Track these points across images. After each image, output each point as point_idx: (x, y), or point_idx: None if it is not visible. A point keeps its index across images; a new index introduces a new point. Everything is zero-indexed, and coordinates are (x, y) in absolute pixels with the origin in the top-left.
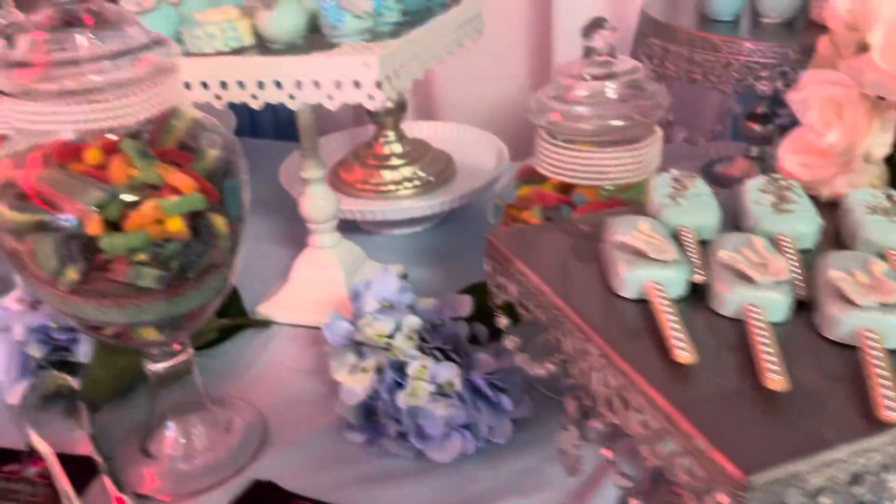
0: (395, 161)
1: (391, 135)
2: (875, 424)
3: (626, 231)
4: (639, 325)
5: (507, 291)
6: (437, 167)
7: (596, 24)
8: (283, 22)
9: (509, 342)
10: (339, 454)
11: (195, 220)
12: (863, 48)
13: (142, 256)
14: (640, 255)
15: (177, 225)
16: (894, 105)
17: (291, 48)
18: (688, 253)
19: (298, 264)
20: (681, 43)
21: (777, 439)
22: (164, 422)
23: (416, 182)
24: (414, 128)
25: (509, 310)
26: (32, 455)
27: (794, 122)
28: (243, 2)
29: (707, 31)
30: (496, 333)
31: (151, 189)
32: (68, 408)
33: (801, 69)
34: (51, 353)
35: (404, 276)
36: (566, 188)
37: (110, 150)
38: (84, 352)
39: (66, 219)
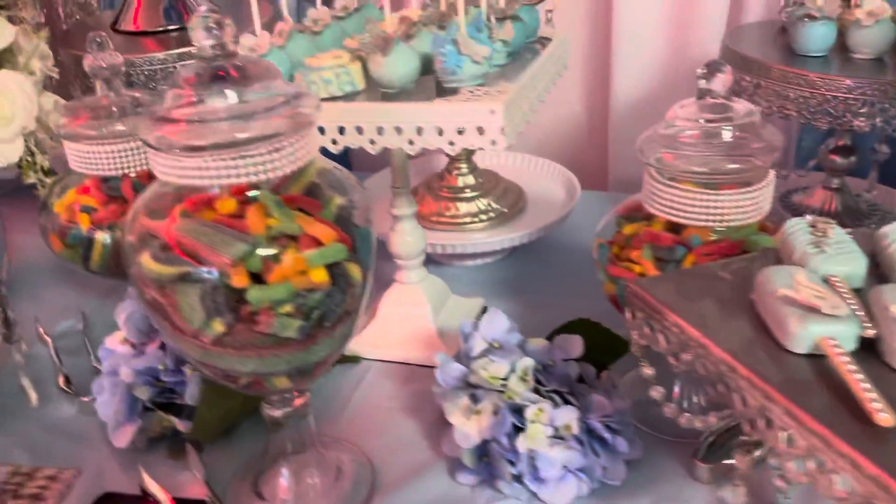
0: (468, 193)
1: (464, 167)
2: None
3: (788, 284)
4: (816, 382)
5: (657, 342)
6: (509, 199)
7: (714, 68)
8: (399, 67)
9: (655, 392)
10: (449, 497)
11: (332, 269)
12: None
13: (287, 308)
14: (810, 309)
15: (321, 276)
16: None
17: (404, 92)
18: (849, 305)
19: (386, 300)
20: (774, 79)
21: None
22: (277, 464)
23: (491, 214)
24: (481, 158)
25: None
26: (146, 498)
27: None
28: (342, 42)
29: (800, 68)
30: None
31: (288, 239)
32: (172, 449)
33: None
34: (157, 395)
35: (484, 310)
36: (675, 228)
37: (244, 199)
38: (191, 393)
39: (210, 271)
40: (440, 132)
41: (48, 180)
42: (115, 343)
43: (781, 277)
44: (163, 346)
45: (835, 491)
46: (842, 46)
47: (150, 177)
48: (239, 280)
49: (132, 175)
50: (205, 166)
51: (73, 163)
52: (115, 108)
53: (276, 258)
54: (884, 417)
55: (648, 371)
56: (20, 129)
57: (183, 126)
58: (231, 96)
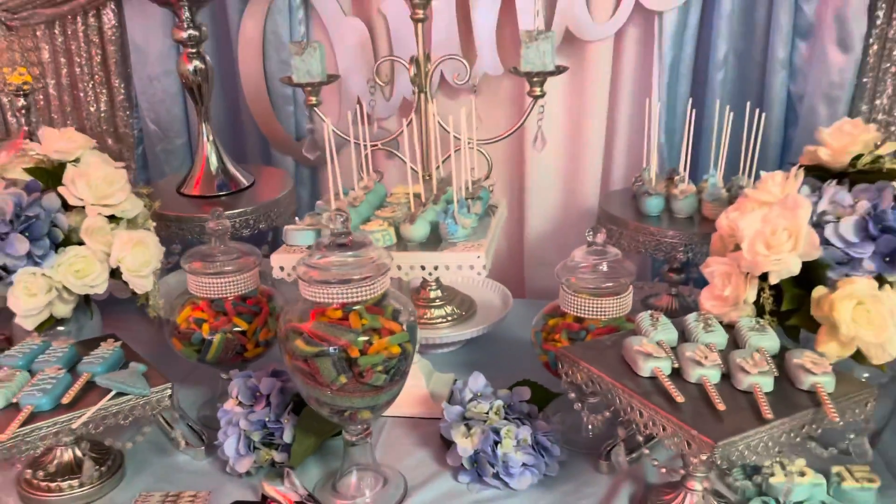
0: (438, 302)
1: (434, 285)
2: (759, 420)
3: (639, 343)
4: (653, 390)
5: (576, 378)
6: (464, 306)
7: (596, 230)
8: (420, 231)
9: (577, 406)
10: (454, 490)
11: (401, 346)
12: (736, 247)
13: (379, 368)
14: (648, 355)
15: (396, 350)
16: (756, 279)
17: (423, 245)
18: (667, 353)
19: None
20: (630, 229)
21: (722, 429)
22: (349, 472)
23: (454, 316)
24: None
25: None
26: (267, 500)
27: (701, 277)
28: (373, 209)
29: (644, 223)
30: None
31: (372, 330)
32: (271, 473)
33: (701, 245)
34: (263, 437)
35: (455, 381)
36: (580, 319)
37: (346, 309)
38: (287, 434)
39: (336, 349)
40: (447, 268)
41: (160, 303)
42: (231, 405)
43: (636, 341)
44: (268, 405)
45: (662, 436)
46: (668, 209)
47: (242, 300)
48: (353, 353)
49: (230, 297)
50: (330, 293)
51: (191, 287)
52: (221, 255)
53: (370, 342)
54: (680, 399)
55: (573, 395)
56: (152, 270)
57: (317, 272)
58: (346, 255)
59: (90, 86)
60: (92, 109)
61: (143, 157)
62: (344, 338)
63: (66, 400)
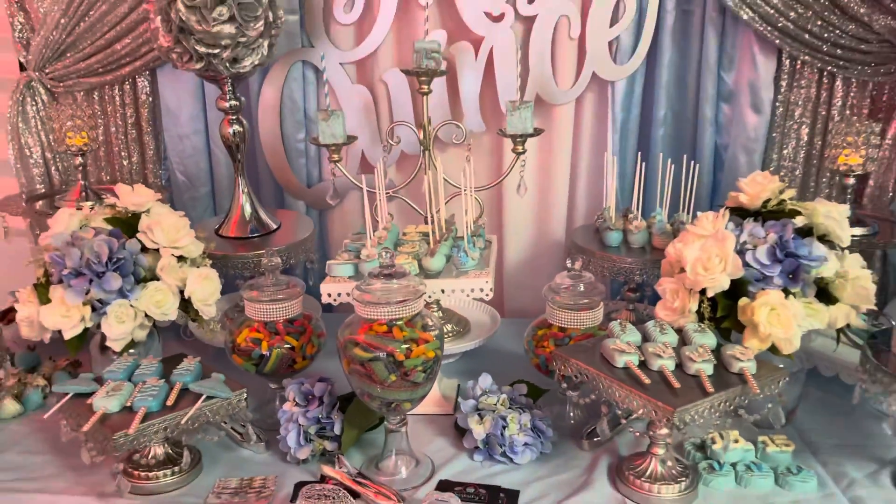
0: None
1: (436, 307)
2: (704, 394)
3: (613, 343)
4: (626, 376)
5: (571, 372)
6: (461, 324)
7: (573, 258)
8: (438, 262)
9: (569, 393)
10: (470, 466)
11: (435, 351)
12: (682, 270)
13: (419, 367)
14: (621, 351)
15: (432, 354)
16: (697, 293)
17: (439, 273)
18: (635, 350)
19: None
20: (596, 258)
21: (678, 400)
22: (389, 454)
23: (453, 333)
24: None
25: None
26: (328, 480)
27: (653, 295)
28: (393, 244)
29: (606, 252)
30: (535, 399)
31: (413, 341)
32: (325, 457)
33: (653, 269)
34: (317, 431)
35: (458, 386)
36: (563, 329)
37: (390, 324)
38: (337, 428)
39: (387, 354)
40: (462, 291)
41: (217, 326)
42: (289, 406)
43: (611, 342)
44: (320, 405)
45: (635, 408)
46: (626, 241)
47: (290, 322)
48: (399, 357)
49: (281, 320)
50: (379, 311)
51: (249, 312)
52: (272, 286)
53: (410, 349)
54: (647, 381)
55: (564, 385)
56: (215, 300)
57: (370, 296)
58: (391, 282)
59: (123, 142)
60: (125, 163)
61: (171, 204)
62: (391, 346)
63: (169, 402)
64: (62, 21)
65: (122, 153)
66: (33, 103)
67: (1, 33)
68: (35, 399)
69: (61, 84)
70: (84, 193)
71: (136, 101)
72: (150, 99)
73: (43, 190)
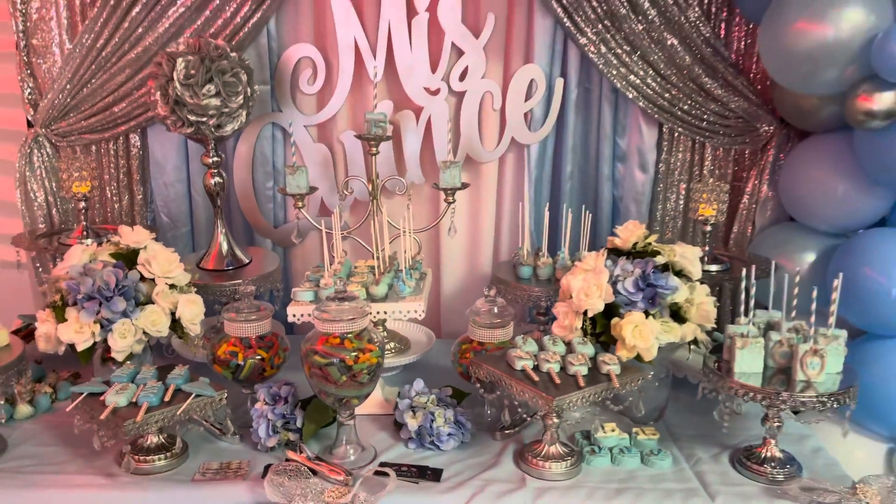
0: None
1: (381, 328)
2: (578, 388)
3: (515, 352)
4: (524, 377)
5: (483, 376)
6: (402, 342)
7: (489, 288)
8: (382, 289)
9: (485, 395)
10: (404, 453)
11: (378, 358)
12: (570, 296)
13: (365, 371)
14: (520, 358)
15: (375, 360)
16: (581, 314)
17: (384, 298)
18: (531, 356)
19: None
20: (512, 288)
21: (558, 393)
22: (341, 443)
23: (395, 349)
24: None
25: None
26: (290, 462)
27: (554, 317)
28: (347, 275)
29: (520, 283)
30: (459, 400)
31: (360, 350)
32: (289, 445)
33: (556, 296)
34: (283, 424)
35: (398, 393)
36: (482, 343)
37: (342, 337)
38: (299, 422)
39: (340, 360)
40: (401, 313)
41: (200, 342)
42: (260, 405)
43: (513, 351)
44: (285, 403)
45: (531, 403)
46: (535, 274)
47: (261, 338)
48: (349, 362)
49: (254, 336)
50: (334, 327)
51: (227, 329)
52: (247, 308)
53: (358, 357)
54: (537, 379)
55: (480, 387)
56: (200, 320)
57: (327, 315)
58: (343, 304)
59: (116, 189)
60: (116, 206)
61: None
62: (343, 354)
63: (166, 399)
64: (67, 87)
65: (115, 197)
66: (39, 155)
67: (9, 90)
68: (44, 403)
69: (64, 139)
70: (85, 232)
71: (128, 154)
72: (141, 152)
73: (45, 229)
